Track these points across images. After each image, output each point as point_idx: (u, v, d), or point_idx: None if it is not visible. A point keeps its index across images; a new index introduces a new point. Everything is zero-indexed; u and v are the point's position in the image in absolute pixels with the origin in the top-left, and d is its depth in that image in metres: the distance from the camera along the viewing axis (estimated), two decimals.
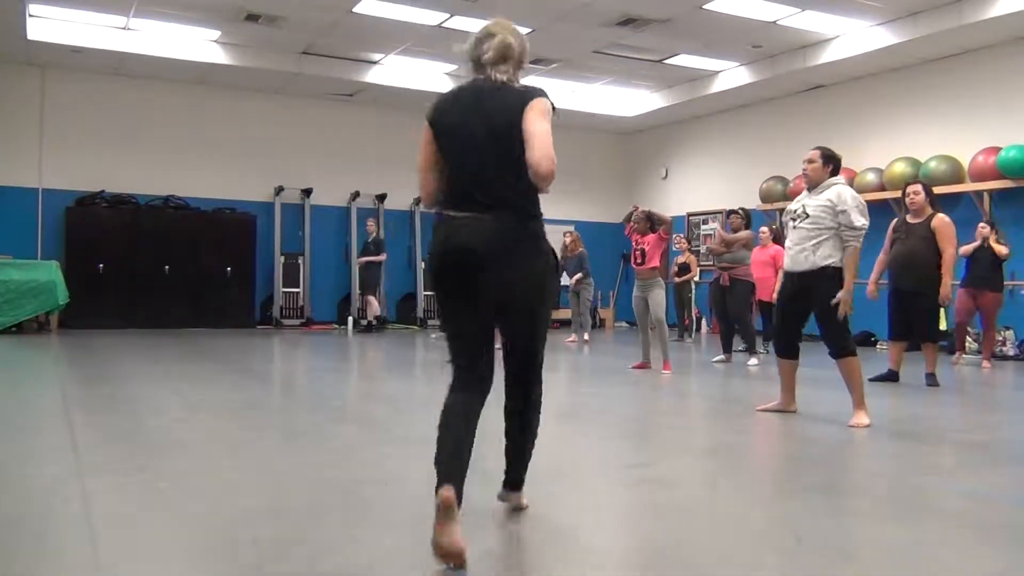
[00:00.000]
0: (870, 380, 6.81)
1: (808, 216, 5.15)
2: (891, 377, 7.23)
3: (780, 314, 5.46)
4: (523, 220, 2.69)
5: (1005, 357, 9.85)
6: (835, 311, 5.09)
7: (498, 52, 2.77)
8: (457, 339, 2.78)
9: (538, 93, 2.72)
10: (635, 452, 4.51)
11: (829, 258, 5.07)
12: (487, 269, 2.64)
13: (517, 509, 3.03)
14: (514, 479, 3.00)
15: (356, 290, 14.57)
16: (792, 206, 5.37)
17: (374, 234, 13.62)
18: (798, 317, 5.39)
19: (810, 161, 5.22)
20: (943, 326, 8.84)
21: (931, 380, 7.13)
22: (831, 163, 5.22)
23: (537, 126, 2.63)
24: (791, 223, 5.29)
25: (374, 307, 13.45)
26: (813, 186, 5.22)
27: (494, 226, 2.64)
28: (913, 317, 7.17)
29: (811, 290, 5.14)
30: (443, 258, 2.71)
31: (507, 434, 2.94)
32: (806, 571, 2.57)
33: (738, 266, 9.10)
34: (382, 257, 13.47)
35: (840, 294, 5.03)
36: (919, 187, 7.23)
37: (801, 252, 5.16)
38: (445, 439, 2.62)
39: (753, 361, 8.83)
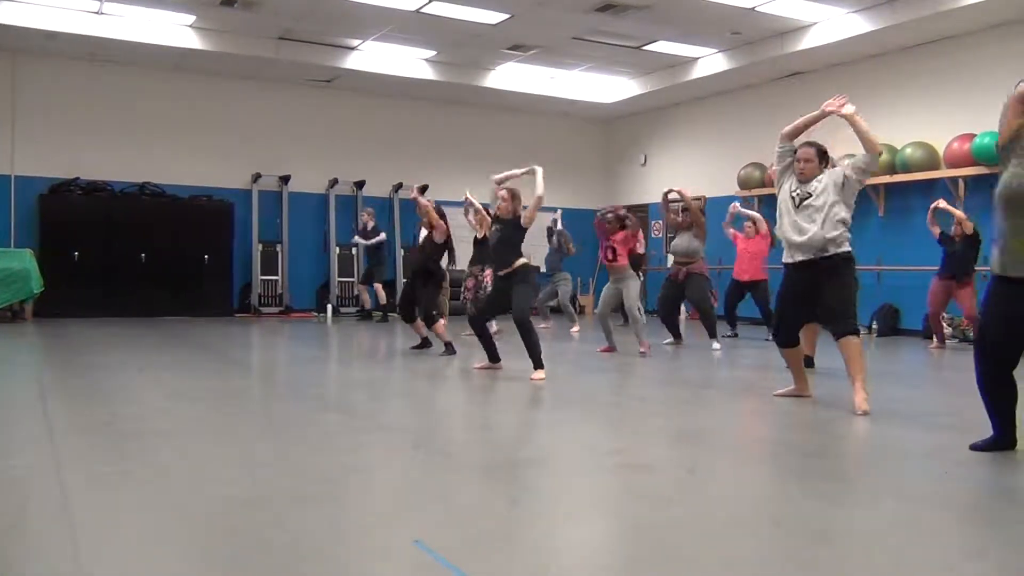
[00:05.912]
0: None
1: (810, 195, 5.18)
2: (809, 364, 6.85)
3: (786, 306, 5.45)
4: None
5: None
6: (841, 292, 5.16)
7: None
8: None
9: None
10: (614, 438, 4.54)
11: (840, 239, 5.13)
12: None
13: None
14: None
15: (337, 278, 14.55)
16: (784, 194, 5.33)
17: (369, 223, 13.38)
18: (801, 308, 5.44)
19: (807, 160, 5.28)
20: None
21: (809, 362, 6.73)
22: (825, 159, 5.34)
23: None
24: (789, 209, 5.26)
25: (379, 295, 13.19)
26: (807, 181, 5.30)
27: None
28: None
29: (825, 273, 5.17)
30: None
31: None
32: (784, 554, 2.60)
33: (693, 260, 9.37)
34: (356, 239, 13.54)
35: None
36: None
37: (808, 232, 5.13)
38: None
39: (716, 346, 9.21)
